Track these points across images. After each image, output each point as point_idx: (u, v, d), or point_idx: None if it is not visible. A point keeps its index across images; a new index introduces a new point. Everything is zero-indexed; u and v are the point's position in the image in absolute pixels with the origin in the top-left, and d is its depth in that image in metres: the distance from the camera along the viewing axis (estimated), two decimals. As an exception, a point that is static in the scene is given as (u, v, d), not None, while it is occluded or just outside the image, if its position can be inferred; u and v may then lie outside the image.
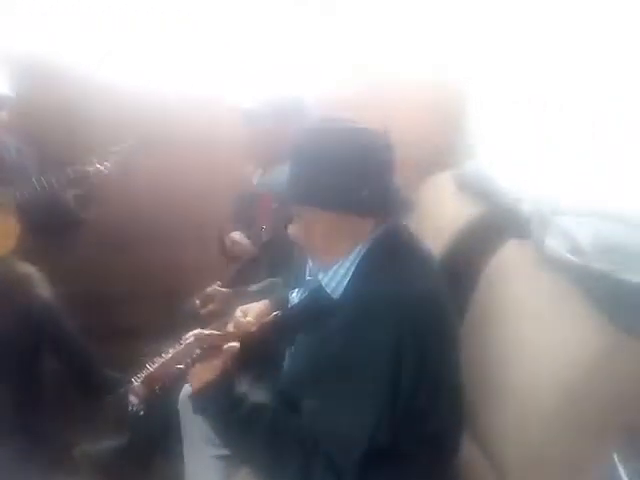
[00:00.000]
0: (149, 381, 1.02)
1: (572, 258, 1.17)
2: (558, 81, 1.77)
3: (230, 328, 1.23)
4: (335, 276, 1.11)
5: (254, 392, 1.23)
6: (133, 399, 1.01)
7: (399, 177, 1.13)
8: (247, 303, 1.37)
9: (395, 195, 1.11)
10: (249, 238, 1.82)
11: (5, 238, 1.85)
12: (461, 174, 1.88)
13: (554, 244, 1.25)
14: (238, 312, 1.29)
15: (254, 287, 1.66)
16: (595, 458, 1.02)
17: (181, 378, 1.07)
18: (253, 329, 1.17)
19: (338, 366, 1.02)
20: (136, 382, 1.02)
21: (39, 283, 1.90)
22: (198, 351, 1.06)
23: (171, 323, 1.80)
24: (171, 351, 1.06)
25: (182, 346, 1.07)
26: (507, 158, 1.92)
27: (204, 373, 1.07)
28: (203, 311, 1.69)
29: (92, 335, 2.01)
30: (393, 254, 1.09)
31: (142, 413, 1.02)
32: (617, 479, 0.96)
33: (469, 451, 1.21)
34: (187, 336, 1.09)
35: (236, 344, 1.09)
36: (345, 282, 1.10)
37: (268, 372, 1.31)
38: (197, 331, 1.10)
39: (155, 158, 2.03)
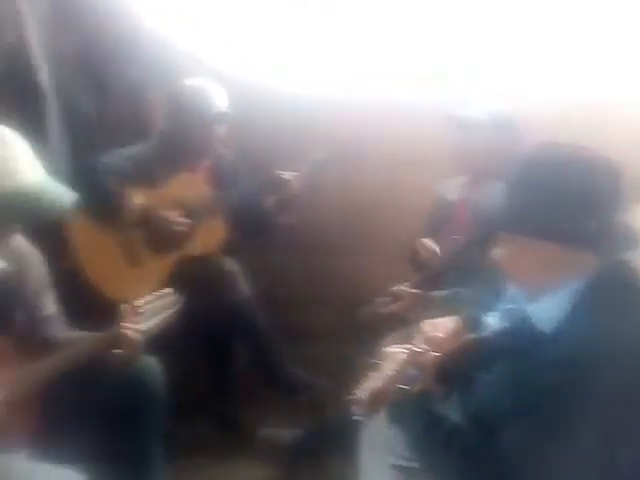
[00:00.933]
0: (376, 396, 1.05)
1: None
2: None
3: (421, 342, 1.22)
4: (547, 309, 1.03)
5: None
6: (357, 410, 1.05)
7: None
8: (431, 307, 1.36)
9: (622, 229, 1.01)
10: (442, 246, 1.82)
11: (214, 237, 2.07)
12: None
13: None
14: (426, 326, 1.28)
15: (439, 294, 1.65)
16: None
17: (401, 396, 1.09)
18: (447, 347, 1.15)
19: (543, 404, 0.96)
20: (360, 394, 1.05)
21: (239, 280, 2.09)
22: (411, 371, 1.08)
23: (349, 328, 1.87)
24: (388, 366, 1.09)
25: (400, 362, 1.09)
26: None
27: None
28: (385, 310, 1.70)
29: (279, 332, 2.14)
30: (617, 294, 1.00)
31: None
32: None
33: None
34: (393, 349, 1.13)
35: (437, 354, 1.09)
36: (559, 317, 1.01)
37: (456, 395, 1.28)
38: (406, 346, 1.13)
39: (348, 168, 2.12)
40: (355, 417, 1.03)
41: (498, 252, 1.07)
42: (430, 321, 1.29)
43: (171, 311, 1.38)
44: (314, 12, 2.25)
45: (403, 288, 1.72)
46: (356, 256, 2.29)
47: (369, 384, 1.06)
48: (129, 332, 1.31)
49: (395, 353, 1.11)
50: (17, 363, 1.24)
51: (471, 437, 1.05)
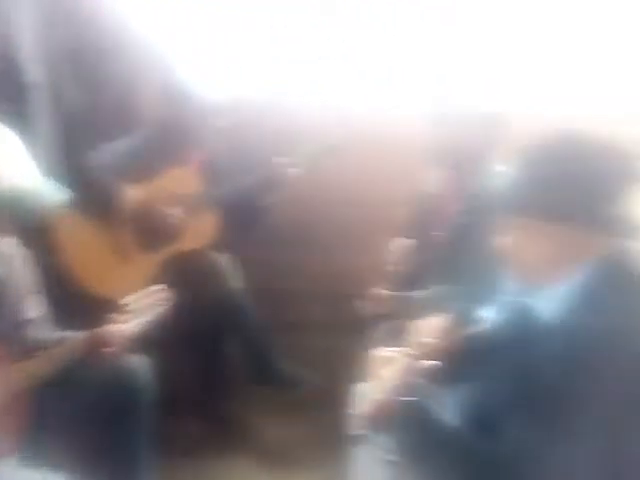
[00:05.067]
0: (380, 410, 1.01)
1: None
2: None
3: (412, 347, 1.21)
4: (550, 299, 1.01)
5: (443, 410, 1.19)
6: (359, 425, 1.02)
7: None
8: (412, 307, 1.33)
9: (631, 216, 1.00)
10: (421, 243, 1.81)
11: (205, 232, 2.05)
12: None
13: None
14: (415, 329, 1.26)
15: (420, 294, 1.64)
16: None
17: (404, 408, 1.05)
18: (441, 346, 1.13)
19: (548, 397, 0.94)
20: (366, 408, 1.01)
21: (231, 274, 2.07)
22: (410, 380, 1.03)
23: (345, 323, 1.86)
24: (387, 375, 1.04)
25: (398, 375, 1.04)
26: None
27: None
28: (367, 312, 1.71)
29: (272, 327, 2.13)
30: (622, 283, 0.98)
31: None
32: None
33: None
34: (387, 354, 1.09)
35: (434, 362, 1.07)
36: (563, 307, 1.00)
37: (453, 395, 1.26)
38: (402, 350, 1.09)
39: (340, 163, 2.10)
40: (357, 432, 1.00)
41: (502, 240, 1.05)
42: (419, 323, 1.27)
43: (162, 309, 1.35)
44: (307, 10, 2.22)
45: (381, 290, 1.72)
46: (347, 251, 2.27)
47: (370, 397, 1.02)
48: (116, 331, 1.29)
49: (391, 358, 1.07)
50: (2, 367, 1.22)
51: (470, 438, 1.03)
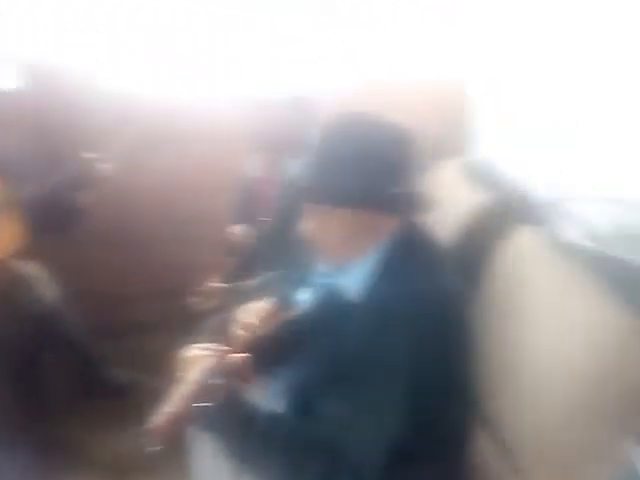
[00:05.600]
0: (172, 423, 0.93)
1: (588, 244, 1.15)
2: (566, 65, 1.74)
3: (237, 331, 1.20)
4: (353, 278, 1.06)
5: (266, 398, 1.19)
6: (151, 440, 0.92)
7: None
8: (245, 298, 1.33)
9: (420, 192, 1.07)
10: (249, 230, 1.81)
11: (8, 239, 1.83)
12: (469, 163, 1.84)
13: (569, 230, 1.22)
14: (242, 313, 1.26)
15: (251, 282, 1.65)
16: (612, 444, 1.00)
17: (199, 416, 0.99)
18: (262, 331, 1.13)
19: (358, 371, 0.98)
20: (157, 422, 0.93)
21: (42, 283, 1.88)
22: (214, 380, 0.98)
23: (176, 321, 1.80)
24: (185, 385, 0.97)
25: (195, 379, 0.97)
26: (519, 144, 1.89)
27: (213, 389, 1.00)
28: (203, 307, 1.68)
29: (97, 333, 2.00)
30: (413, 255, 1.05)
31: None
32: (635, 465, 0.93)
33: (482, 441, 1.19)
34: (194, 353, 1.03)
35: (243, 355, 1.04)
36: (364, 284, 1.05)
37: (281, 376, 1.27)
38: (209, 346, 1.03)
39: (157, 155, 2.01)
40: (150, 449, 0.90)
41: (305, 226, 1.07)
42: (244, 307, 1.27)
43: None
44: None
45: (213, 284, 1.69)
46: (174, 245, 2.19)
47: (164, 410, 0.94)
48: None
49: (196, 358, 1.02)
50: None
51: (293, 425, 1.04)
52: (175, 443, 0.94)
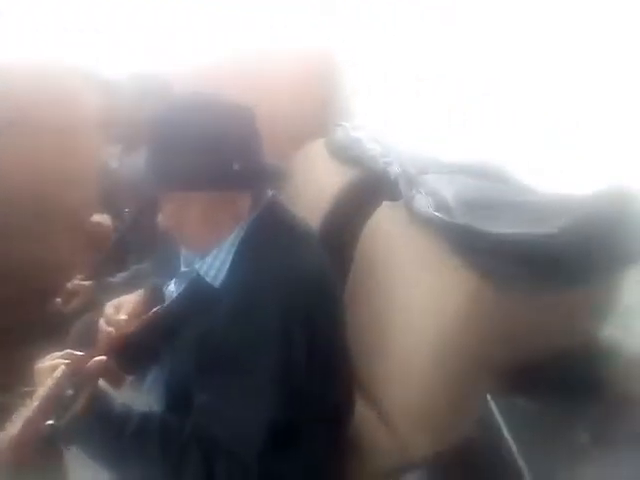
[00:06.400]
0: (16, 447, 0.82)
1: (438, 215, 1.22)
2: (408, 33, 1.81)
3: (103, 327, 1.13)
4: (214, 263, 1.04)
5: (139, 395, 1.15)
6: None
7: (272, 150, 1.10)
8: (113, 294, 1.27)
9: (267, 167, 1.07)
10: (113, 223, 1.72)
11: None
12: (332, 141, 1.89)
13: (422, 203, 1.30)
14: (109, 309, 1.19)
15: (119, 277, 1.58)
16: (472, 401, 1.10)
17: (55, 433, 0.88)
18: (129, 327, 1.08)
19: (225, 358, 0.97)
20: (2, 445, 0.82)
21: None
22: (70, 391, 0.88)
23: (37, 326, 1.67)
24: (35, 400, 0.86)
25: (47, 392, 0.87)
26: (376, 120, 1.96)
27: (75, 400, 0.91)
28: (66, 309, 1.58)
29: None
30: (272, 234, 1.05)
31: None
32: (492, 418, 1.04)
33: (359, 411, 1.25)
34: (47, 364, 0.93)
35: (102, 357, 0.97)
36: (225, 268, 1.04)
37: (152, 372, 1.21)
38: (64, 353, 0.95)
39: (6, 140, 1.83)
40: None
41: (162, 215, 1.04)
42: (113, 302, 1.21)
43: None
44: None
45: (78, 282, 1.60)
46: (30, 240, 2.01)
47: (7, 432, 0.84)
48: None
49: (51, 368, 0.93)
50: None
51: (164, 423, 1.00)
52: (30, 462, 0.85)
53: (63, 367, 0.91)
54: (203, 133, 0.97)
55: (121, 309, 1.19)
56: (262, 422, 0.96)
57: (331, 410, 1.09)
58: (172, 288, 1.17)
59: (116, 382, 1.04)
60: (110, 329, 1.11)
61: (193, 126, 0.98)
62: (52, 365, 0.93)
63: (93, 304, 1.54)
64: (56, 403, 0.87)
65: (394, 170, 1.53)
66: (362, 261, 1.44)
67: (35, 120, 1.92)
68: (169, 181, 0.99)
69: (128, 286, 1.34)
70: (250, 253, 1.03)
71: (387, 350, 1.26)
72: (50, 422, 0.85)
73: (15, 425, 0.84)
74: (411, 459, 1.20)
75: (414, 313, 1.19)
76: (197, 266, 1.07)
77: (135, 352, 1.12)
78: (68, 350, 0.97)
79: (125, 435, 0.94)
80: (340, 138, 1.84)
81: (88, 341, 1.16)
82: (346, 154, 1.75)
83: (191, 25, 2.10)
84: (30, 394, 0.90)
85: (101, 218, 1.74)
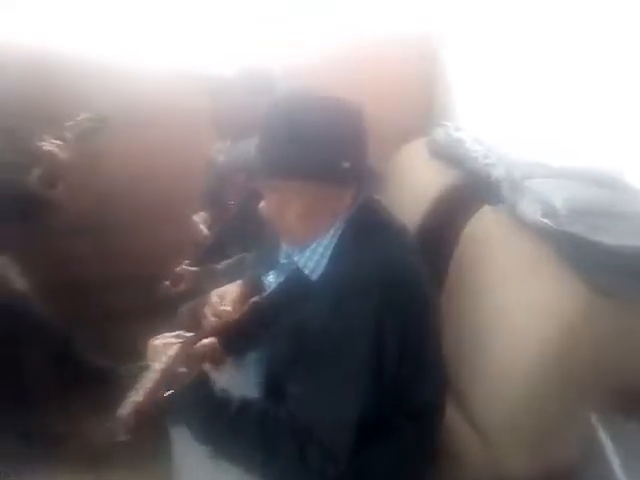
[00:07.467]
0: (137, 413, 0.91)
1: (546, 221, 1.18)
2: (528, 43, 1.75)
3: (209, 315, 1.20)
4: (312, 257, 1.07)
5: (237, 382, 1.19)
6: (120, 430, 0.91)
7: (373, 148, 1.11)
8: (217, 281, 1.33)
9: (373, 167, 1.09)
10: (217, 215, 1.80)
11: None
12: (433, 141, 1.86)
13: (527, 208, 1.25)
14: (214, 297, 1.26)
15: (222, 264, 1.66)
16: (575, 421, 1.04)
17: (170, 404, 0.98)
18: (232, 316, 1.14)
19: (321, 349, 1.00)
20: (123, 412, 0.91)
21: (10, 276, 1.85)
22: (183, 369, 0.97)
23: (151, 306, 1.80)
24: (154, 373, 0.95)
25: (164, 367, 0.95)
26: (479, 123, 1.91)
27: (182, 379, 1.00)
28: (174, 291, 1.69)
29: (70, 321, 1.98)
30: (371, 231, 1.06)
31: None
32: (598, 442, 0.97)
33: (453, 418, 1.23)
34: (161, 341, 1.02)
35: (212, 341, 1.04)
36: (324, 262, 1.07)
37: (250, 360, 1.27)
38: (176, 345, 1.00)
39: (122, 136, 1.97)
40: (119, 439, 0.90)
41: (267, 204, 1.08)
42: (217, 291, 1.27)
43: None
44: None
45: (185, 267, 1.70)
46: (144, 231, 2.17)
47: (130, 399, 0.92)
48: None
49: (164, 346, 1.01)
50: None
51: (261, 409, 1.04)
52: (145, 432, 0.93)
53: (178, 345, 0.98)
54: (318, 128, 1.00)
55: (225, 298, 1.25)
56: (353, 413, 0.98)
57: (421, 407, 1.09)
58: (271, 279, 1.22)
59: (218, 362, 1.10)
60: (214, 317, 1.17)
61: (309, 120, 1.01)
62: (166, 343, 1.01)
63: (198, 289, 1.63)
64: (169, 378, 0.95)
65: (497, 173, 1.49)
66: (460, 263, 1.41)
67: (146, 116, 2.06)
68: (280, 169, 1.02)
69: (230, 274, 1.40)
70: (349, 248, 1.05)
71: (483, 355, 1.22)
72: (169, 393, 0.93)
73: (138, 394, 0.92)
74: (504, 475, 1.16)
75: (514, 321, 1.15)
76: (296, 259, 1.10)
77: (237, 337, 1.17)
78: (179, 332, 1.04)
79: (225, 417, 1.00)
80: (442, 138, 1.82)
81: (194, 324, 1.23)
82: (448, 155, 1.72)
83: (292, 20, 2.14)
84: (145, 367, 0.98)
85: (199, 218, 1.84)
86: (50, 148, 1.77)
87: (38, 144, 1.78)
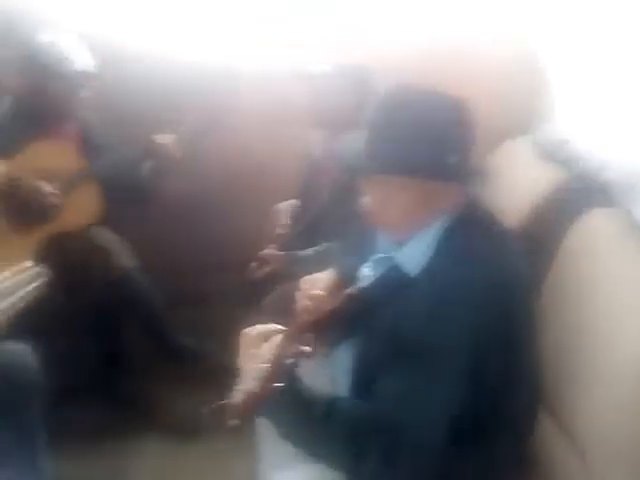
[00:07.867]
0: (252, 402, 0.89)
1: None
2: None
3: (302, 299, 1.20)
4: (412, 253, 1.06)
5: (321, 374, 1.19)
6: (230, 415, 0.88)
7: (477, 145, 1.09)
8: (301, 267, 1.34)
9: (477, 164, 1.07)
10: (308, 205, 1.83)
11: (87, 209, 1.94)
12: (539, 140, 1.77)
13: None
14: (304, 284, 1.26)
15: (308, 251, 1.69)
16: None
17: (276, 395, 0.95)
18: (328, 305, 1.14)
19: (417, 345, 0.98)
20: (233, 400, 0.89)
21: (120, 252, 1.98)
22: (290, 360, 0.94)
23: (242, 291, 1.87)
24: (262, 363, 0.92)
25: (272, 358, 0.93)
26: (590, 122, 1.80)
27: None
28: (258, 275, 1.74)
29: (168, 302, 2.08)
30: (475, 231, 1.04)
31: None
32: None
33: (548, 428, 1.17)
34: (255, 334, 1.01)
35: (310, 335, 1.01)
36: (424, 260, 1.05)
37: (339, 353, 1.26)
38: (276, 336, 0.99)
39: (223, 130, 2.05)
40: (229, 425, 0.87)
41: (364, 199, 1.08)
42: (307, 277, 1.28)
43: (34, 287, 1.22)
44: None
45: (271, 251, 1.74)
46: (238, 220, 2.25)
47: (244, 387, 0.91)
48: None
49: (262, 336, 1.00)
50: None
51: (351, 405, 1.03)
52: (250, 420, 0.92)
53: (279, 337, 0.98)
54: (425, 123, 1.00)
55: (315, 285, 1.25)
56: (446, 412, 0.96)
57: (515, 414, 1.05)
58: (368, 272, 1.20)
59: (309, 357, 1.10)
60: (309, 303, 1.17)
61: (415, 115, 1.01)
62: (261, 333, 1.01)
63: (283, 273, 1.67)
64: (280, 369, 0.93)
65: (607, 175, 1.40)
66: (564, 270, 1.34)
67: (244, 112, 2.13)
68: (387, 165, 1.02)
69: (316, 261, 1.41)
70: (452, 247, 1.03)
71: (587, 374, 1.12)
72: (281, 384, 0.91)
73: (249, 383, 0.90)
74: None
75: (630, 338, 1.07)
76: (395, 254, 1.09)
77: (329, 330, 1.17)
78: (275, 324, 1.03)
79: (315, 412, 0.98)
80: (547, 137, 1.73)
81: (282, 312, 1.24)
82: (555, 154, 1.63)
83: (387, 14, 2.12)
84: (243, 355, 0.99)
85: (286, 207, 1.90)
86: (164, 142, 1.90)
87: (153, 138, 1.91)
